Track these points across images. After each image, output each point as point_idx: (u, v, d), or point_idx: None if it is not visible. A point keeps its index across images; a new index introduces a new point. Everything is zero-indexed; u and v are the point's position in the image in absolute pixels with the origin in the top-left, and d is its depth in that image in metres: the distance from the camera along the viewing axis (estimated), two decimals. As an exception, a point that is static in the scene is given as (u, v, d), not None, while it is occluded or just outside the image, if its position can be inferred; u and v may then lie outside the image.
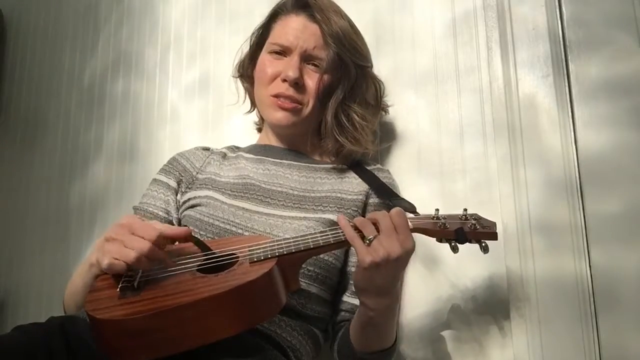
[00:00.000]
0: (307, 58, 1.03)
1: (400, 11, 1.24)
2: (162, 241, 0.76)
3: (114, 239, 0.75)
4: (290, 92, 1.01)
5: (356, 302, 0.94)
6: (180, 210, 1.04)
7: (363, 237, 0.78)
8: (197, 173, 1.08)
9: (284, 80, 1.01)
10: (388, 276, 0.78)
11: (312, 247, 0.79)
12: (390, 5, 1.25)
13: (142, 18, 1.76)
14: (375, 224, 0.79)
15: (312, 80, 1.02)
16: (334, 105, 1.03)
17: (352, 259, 0.99)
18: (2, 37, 2.20)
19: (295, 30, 1.03)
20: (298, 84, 1.02)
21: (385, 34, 1.24)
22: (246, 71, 1.16)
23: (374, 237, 0.77)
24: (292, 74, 1.00)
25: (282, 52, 1.04)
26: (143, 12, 1.77)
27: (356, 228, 0.79)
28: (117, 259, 0.73)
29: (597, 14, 1.01)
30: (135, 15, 1.79)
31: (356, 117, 1.04)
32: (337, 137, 1.03)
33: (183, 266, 0.78)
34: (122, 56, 1.79)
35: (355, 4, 1.24)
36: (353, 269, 0.98)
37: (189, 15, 1.64)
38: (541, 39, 1.05)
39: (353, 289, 0.95)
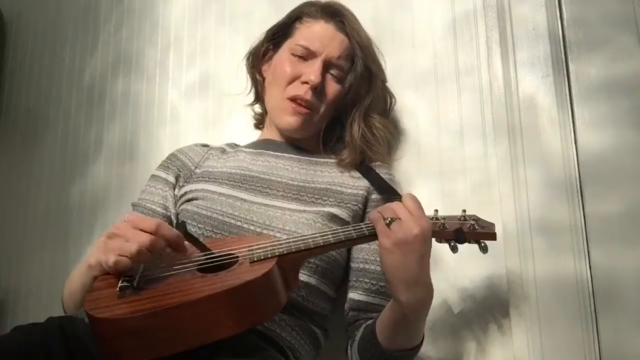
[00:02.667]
0: (328, 66, 1.04)
1: (400, 11, 1.24)
2: (164, 232, 0.76)
3: (117, 234, 0.75)
4: (309, 95, 1.02)
5: (369, 300, 0.94)
6: (178, 204, 1.04)
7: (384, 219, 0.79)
8: (196, 168, 1.08)
9: (304, 83, 1.02)
10: (411, 260, 0.76)
11: (312, 247, 0.79)
12: (390, 5, 1.26)
13: (142, 18, 1.76)
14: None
15: (329, 89, 1.04)
16: (359, 116, 1.05)
17: (357, 255, 0.99)
18: (2, 37, 2.19)
19: (324, 37, 1.04)
20: (316, 89, 1.02)
21: (385, 34, 1.24)
22: (257, 65, 1.15)
23: (394, 219, 0.77)
24: (314, 78, 1.01)
25: (306, 55, 1.04)
26: (143, 12, 1.76)
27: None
28: (121, 255, 0.73)
29: (597, 14, 1.01)
30: (135, 15, 1.79)
31: (379, 125, 1.06)
32: (359, 146, 1.04)
33: (183, 266, 0.78)
34: (122, 56, 1.79)
35: (355, 4, 1.23)
36: (362, 265, 0.97)
37: (189, 15, 1.64)
38: (541, 39, 1.05)
39: (365, 286, 0.95)
